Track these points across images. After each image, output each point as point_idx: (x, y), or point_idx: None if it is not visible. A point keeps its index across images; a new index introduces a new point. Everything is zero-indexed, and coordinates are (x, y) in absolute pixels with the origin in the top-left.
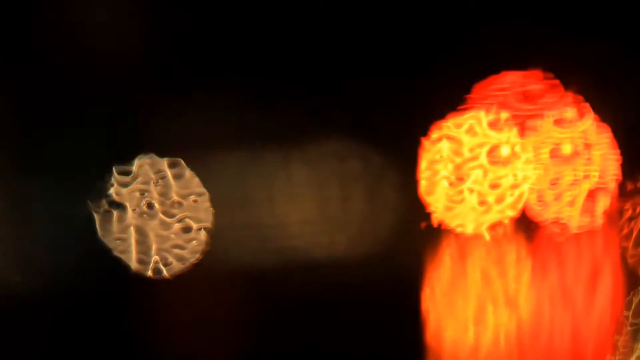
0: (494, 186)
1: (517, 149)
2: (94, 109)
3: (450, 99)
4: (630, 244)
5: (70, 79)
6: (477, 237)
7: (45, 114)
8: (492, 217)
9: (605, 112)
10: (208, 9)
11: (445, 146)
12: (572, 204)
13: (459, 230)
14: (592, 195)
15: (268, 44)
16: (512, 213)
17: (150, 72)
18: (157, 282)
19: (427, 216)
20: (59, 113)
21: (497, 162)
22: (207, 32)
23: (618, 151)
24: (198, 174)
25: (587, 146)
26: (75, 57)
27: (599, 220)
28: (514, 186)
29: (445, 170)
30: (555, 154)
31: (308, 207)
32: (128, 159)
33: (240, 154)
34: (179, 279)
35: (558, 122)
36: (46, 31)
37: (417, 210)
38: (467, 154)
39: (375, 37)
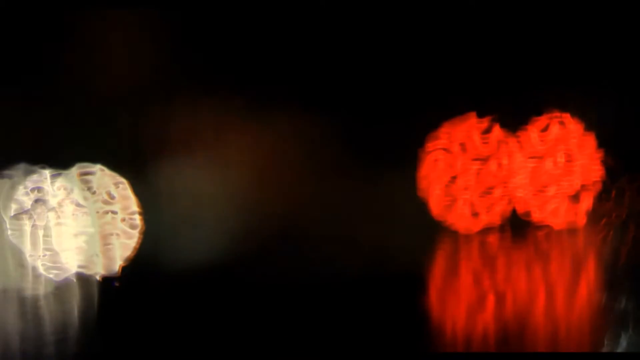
0: (485, 195)
1: (506, 161)
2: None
3: (446, 110)
4: (608, 245)
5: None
6: (470, 238)
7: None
8: (483, 223)
9: (590, 123)
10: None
11: (440, 157)
12: (556, 210)
13: (454, 231)
14: (575, 198)
15: (268, 55)
16: (501, 219)
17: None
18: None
19: (427, 220)
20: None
21: (488, 173)
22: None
23: (601, 160)
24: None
25: (571, 157)
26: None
27: (581, 221)
28: (503, 195)
29: (440, 180)
30: (541, 165)
31: (316, 210)
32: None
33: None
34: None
35: (544, 135)
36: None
37: (416, 212)
38: (460, 165)
39: (376, 49)
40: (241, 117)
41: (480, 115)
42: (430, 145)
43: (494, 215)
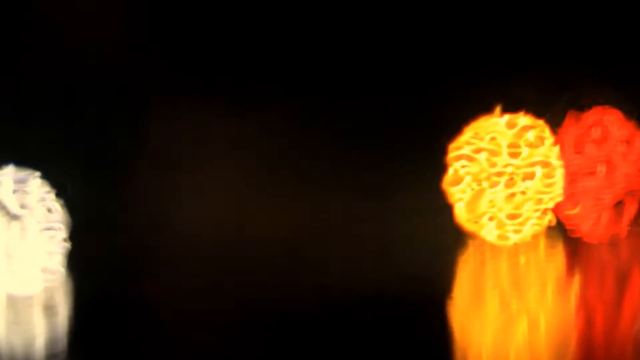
0: (516, 206)
1: (542, 169)
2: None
3: (473, 115)
4: None
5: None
6: (501, 250)
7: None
8: (512, 233)
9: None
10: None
11: (463, 167)
12: (597, 219)
13: (483, 244)
14: (617, 207)
15: (282, 55)
16: (534, 230)
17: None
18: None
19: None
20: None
21: (514, 183)
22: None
23: None
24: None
25: (613, 165)
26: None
27: (623, 231)
28: (536, 206)
29: (462, 190)
30: (577, 172)
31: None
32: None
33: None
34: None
35: (585, 143)
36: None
37: (442, 225)
38: (488, 175)
39: (396, 50)
40: (234, 119)
41: (513, 121)
42: (454, 153)
43: (526, 225)
